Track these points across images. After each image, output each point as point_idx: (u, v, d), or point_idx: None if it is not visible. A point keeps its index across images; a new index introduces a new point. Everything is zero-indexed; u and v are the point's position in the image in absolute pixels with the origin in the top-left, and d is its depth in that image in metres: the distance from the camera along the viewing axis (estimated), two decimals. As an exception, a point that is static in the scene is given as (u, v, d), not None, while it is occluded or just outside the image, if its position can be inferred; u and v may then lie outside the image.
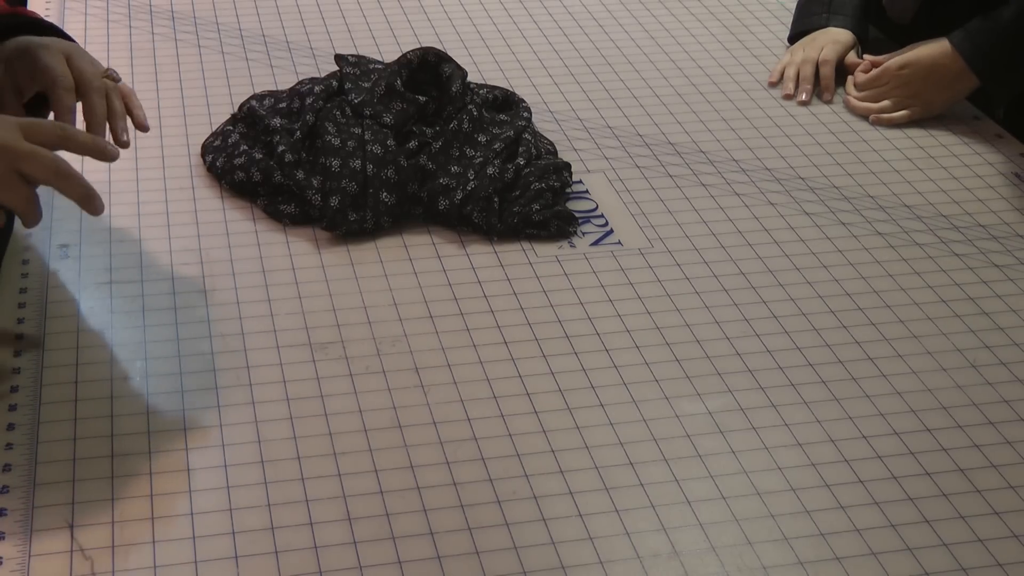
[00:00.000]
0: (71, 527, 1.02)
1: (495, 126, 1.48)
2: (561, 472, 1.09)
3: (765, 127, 1.64)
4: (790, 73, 1.73)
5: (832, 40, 1.74)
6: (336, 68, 1.55)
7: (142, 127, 1.25)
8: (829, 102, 1.71)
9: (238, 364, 1.20)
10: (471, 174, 1.40)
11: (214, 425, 1.12)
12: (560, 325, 1.27)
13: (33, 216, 1.10)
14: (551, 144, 1.54)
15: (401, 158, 1.40)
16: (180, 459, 1.09)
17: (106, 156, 1.13)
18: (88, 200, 1.09)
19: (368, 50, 1.76)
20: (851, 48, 1.74)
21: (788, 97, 1.71)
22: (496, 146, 1.44)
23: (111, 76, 1.23)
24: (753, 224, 1.44)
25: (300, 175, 1.40)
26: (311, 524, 1.03)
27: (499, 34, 1.86)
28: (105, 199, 1.41)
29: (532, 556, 1.01)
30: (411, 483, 1.07)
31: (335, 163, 1.39)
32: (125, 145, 1.20)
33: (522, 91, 1.65)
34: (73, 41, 1.27)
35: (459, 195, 1.39)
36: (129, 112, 1.24)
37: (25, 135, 1.07)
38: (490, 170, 1.40)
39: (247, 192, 1.43)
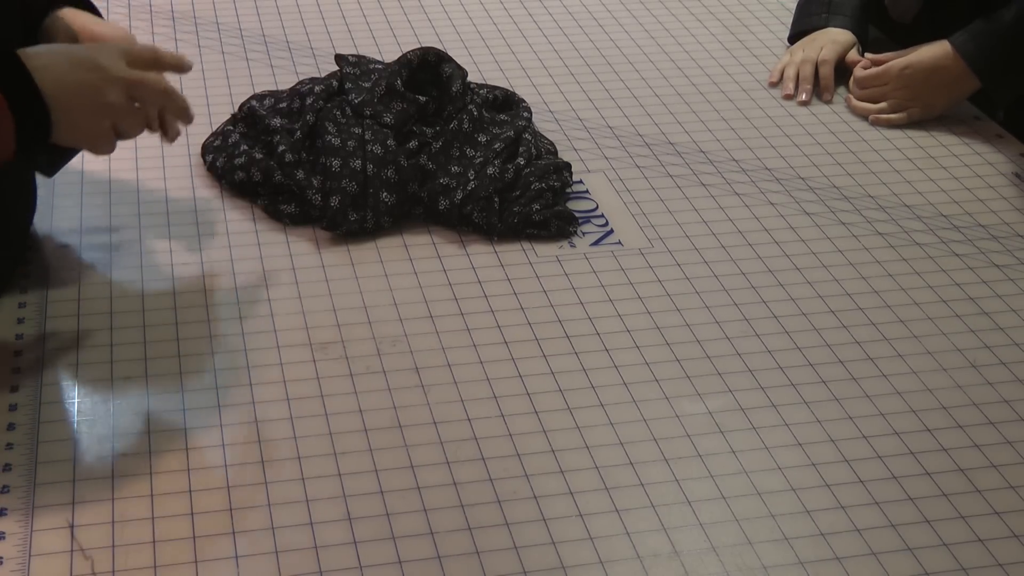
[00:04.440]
0: (71, 527, 1.02)
1: (495, 126, 1.48)
2: (561, 472, 1.09)
3: (765, 127, 1.64)
4: (790, 73, 1.73)
5: (832, 40, 1.74)
6: (336, 68, 1.55)
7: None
8: (829, 102, 1.71)
9: (238, 364, 1.20)
10: (471, 174, 1.40)
11: (214, 425, 1.12)
12: (560, 325, 1.27)
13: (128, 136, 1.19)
14: (551, 144, 1.54)
15: (401, 158, 1.40)
16: (180, 459, 1.09)
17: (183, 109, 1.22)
18: (186, 112, 1.21)
19: (368, 50, 1.76)
20: (851, 48, 1.74)
21: (788, 97, 1.71)
22: (496, 146, 1.44)
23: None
24: (753, 224, 1.44)
25: (300, 175, 1.40)
26: (311, 524, 1.03)
27: (499, 34, 1.86)
28: (105, 199, 1.43)
29: (532, 556, 1.01)
30: (411, 483, 1.07)
31: (335, 163, 1.39)
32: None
33: (522, 91, 1.65)
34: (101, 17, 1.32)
35: (459, 195, 1.39)
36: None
37: (128, 62, 1.15)
38: (490, 170, 1.40)
39: (247, 192, 1.43)
